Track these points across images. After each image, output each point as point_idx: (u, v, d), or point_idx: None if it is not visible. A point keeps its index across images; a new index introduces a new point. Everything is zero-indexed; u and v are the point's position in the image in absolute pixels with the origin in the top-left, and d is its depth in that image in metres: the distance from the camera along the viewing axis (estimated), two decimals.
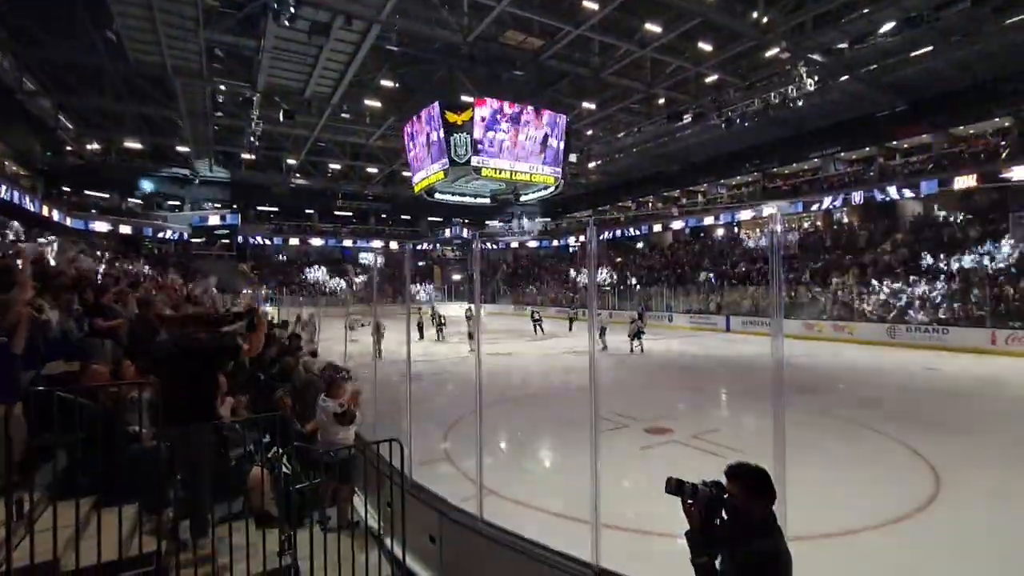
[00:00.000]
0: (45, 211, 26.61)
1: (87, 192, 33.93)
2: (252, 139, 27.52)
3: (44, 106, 24.54)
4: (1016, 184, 19.79)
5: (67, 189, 32.33)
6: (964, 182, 21.51)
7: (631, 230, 38.82)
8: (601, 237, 39.20)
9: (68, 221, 30.08)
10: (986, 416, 9.00)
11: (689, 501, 1.98)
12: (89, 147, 30.80)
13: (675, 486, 1.99)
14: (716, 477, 2.08)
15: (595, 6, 16.77)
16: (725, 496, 1.95)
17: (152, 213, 37.55)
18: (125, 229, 34.71)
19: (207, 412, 3.50)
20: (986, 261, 18.96)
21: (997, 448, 7.14)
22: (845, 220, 28.65)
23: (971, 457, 6.93)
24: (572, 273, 39.38)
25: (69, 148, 30.17)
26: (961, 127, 23.97)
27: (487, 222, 47.13)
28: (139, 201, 37.48)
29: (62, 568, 2.67)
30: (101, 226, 32.94)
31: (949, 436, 7.84)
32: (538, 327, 23.29)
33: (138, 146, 30.85)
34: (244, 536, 3.40)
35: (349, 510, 4.69)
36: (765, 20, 17.42)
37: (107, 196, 35.15)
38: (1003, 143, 21.67)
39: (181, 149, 31.71)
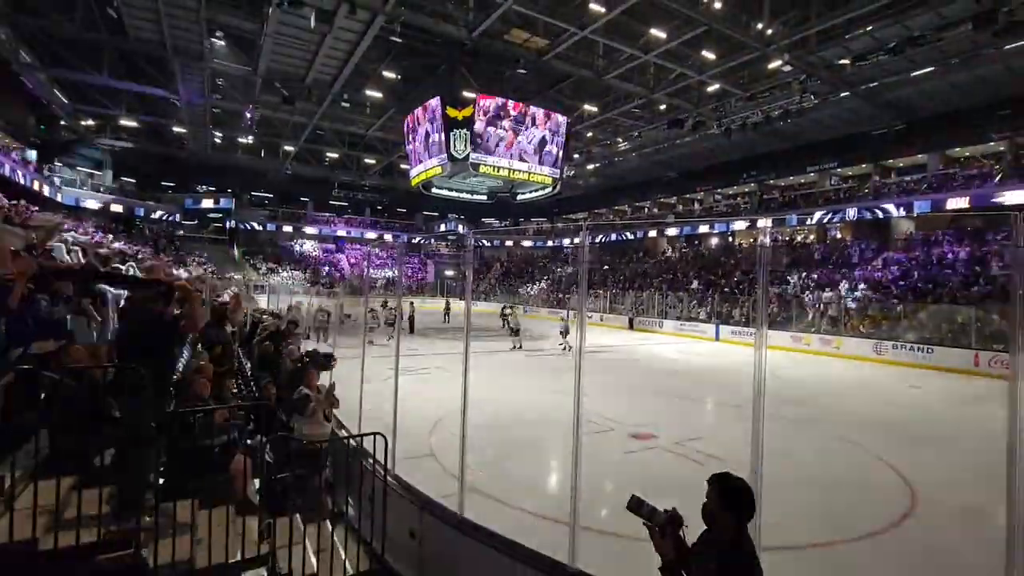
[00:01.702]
0: (36, 185, 26.26)
1: (80, 168, 33.50)
2: (250, 124, 27.31)
3: (40, 79, 24.17)
4: (1000, 211, 20.04)
5: (59, 164, 31.89)
6: (956, 204, 21.81)
7: (624, 235, 39.01)
8: (597, 239, 39.35)
9: (59, 197, 29.72)
10: (964, 436, 9.14)
11: (646, 523, 2.01)
12: (84, 123, 30.41)
13: (635, 504, 2.02)
14: (696, 484, 2.12)
15: (602, 9, 16.77)
16: (679, 526, 1.98)
17: (145, 192, 37.15)
18: (116, 207, 34.34)
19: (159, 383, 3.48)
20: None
21: (973, 468, 7.25)
22: (838, 235, 28.94)
23: (947, 476, 7.05)
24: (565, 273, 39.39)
25: (63, 123, 29.76)
26: (956, 149, 24.28)
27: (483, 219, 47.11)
28: (132, 180, 37.05)
29: (40, 547, 2.66)
30: (92, 203, 32.58)
31: (927, 454, 7.97)
32: (506, 323, 23.56)
33: (134, 124, 30.50)
34: (223, 522, 3.40)
35: (318, 500, 4.67)
36: (769, 32, 17.50)
37: (99, 173, 34.73)
38: (996, 167, 21.96)
39: (177, 130, 31.39)
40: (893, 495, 6.19)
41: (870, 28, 16.96)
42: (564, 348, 18.01)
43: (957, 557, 4.83)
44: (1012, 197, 20.01)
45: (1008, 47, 16.99)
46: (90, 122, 30.63)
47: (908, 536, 5.19)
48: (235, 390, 5.33)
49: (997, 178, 21.37)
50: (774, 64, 19.67)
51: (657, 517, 2.00)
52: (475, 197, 27.32)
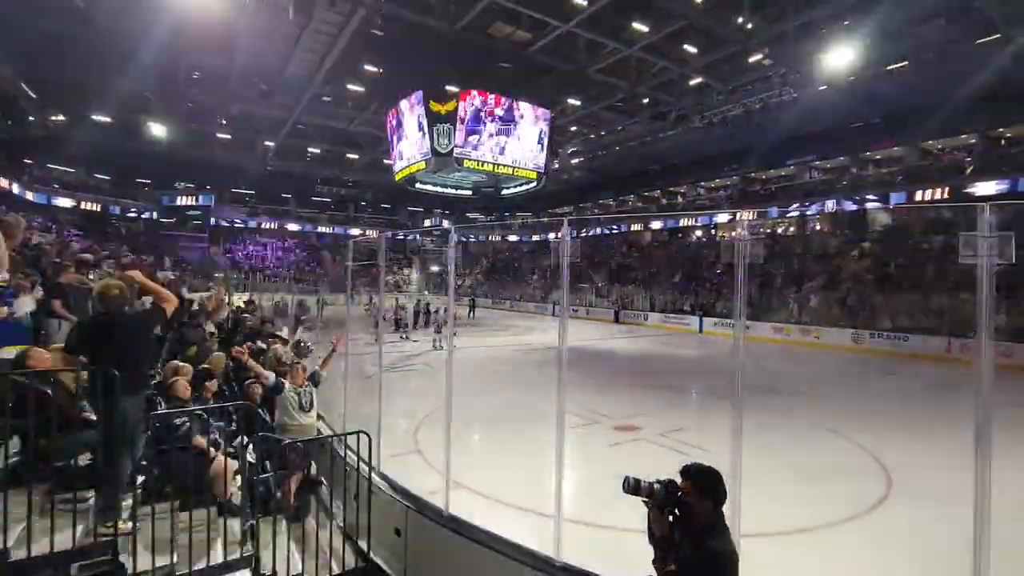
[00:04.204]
0: (4, 183, 25.45)
1: (50, 165, 32.49)
2: (227, 118, 26.76)
3: (5, 73, 23.33)
4: (970, 202, 20.57)
5: (28, 161, 30.91)
6: (930, 195, 22.35)
7: (610, 228, 39.20)
8: (582, 234, 39.45)
9: (29, 195, 28.83)
10: (937, 421, 9.39)
11: (645, 499, 2.04)
12: (53, 118, 29.45)
13: (632, 485, 2.05)
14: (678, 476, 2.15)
15: (584, 2, 16.74)
16: (678, 493, 2.02)
17: (120, 190, 36.20)
18: (90, 206, 33.41)
19: (137, 385, 3.38)
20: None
21: (945, 452, 7.41)
22: (817, 227, 29.43)
23: (921, 460, 7.24)
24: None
25: (31, 118, 28.80)
26: (931, 142, 24.81)
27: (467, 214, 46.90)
28: (106, 177, 36.06)
29: (11, 558, 2.59)
30: (64, 201, 31.64)
31: (902, 440, 8.17)
32: (472, 312, 26.15)
33: (106, 119, 29.64)
34: (205, 524, 3.35)
35: (302, 500, 4.63)
36: (749, 26, 17.66)
37: (72, 170, 33.74)
38: (968, 159, 22.51)
39: (152, 125, 30.60)
40: (870, 481, 6.34)
41: (847, 22, 17.20)
42: (435, 344, 16.11)
43: (930, 538, 4.98)
44: (982, 188, 20.56)
45: (978, 42, 17.38)
46: (60, 117, 29.68)
47: (884, 520, 5.33)
48: (215, 391, 5.22)
49: (968, 170, 21.92)
50: (754, 58, 19.86)
51: (657, 493, 2.04)
52: (460, 192, 27.18)
